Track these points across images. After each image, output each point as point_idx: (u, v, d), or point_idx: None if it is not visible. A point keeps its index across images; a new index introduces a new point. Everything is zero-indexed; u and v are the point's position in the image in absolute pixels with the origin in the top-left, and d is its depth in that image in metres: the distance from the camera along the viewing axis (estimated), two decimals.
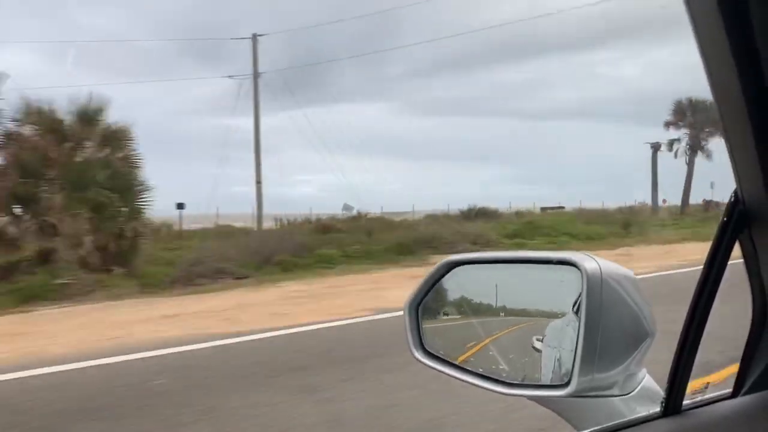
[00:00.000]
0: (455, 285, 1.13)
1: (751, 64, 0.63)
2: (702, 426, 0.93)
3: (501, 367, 1.05)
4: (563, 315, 0.98)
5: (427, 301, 1.13)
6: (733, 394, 1.00)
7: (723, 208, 0.90)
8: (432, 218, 29.19)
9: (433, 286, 1.13)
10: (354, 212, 29.31)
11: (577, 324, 0.93)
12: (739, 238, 0.88)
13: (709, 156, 41.79)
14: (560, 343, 0.97)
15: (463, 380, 1.07)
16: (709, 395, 1.00)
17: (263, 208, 29.23)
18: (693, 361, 0.92)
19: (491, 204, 32.85)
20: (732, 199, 0.86)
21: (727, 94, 0.70)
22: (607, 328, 0.92)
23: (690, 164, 42.51)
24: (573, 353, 0.93)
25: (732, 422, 0.94)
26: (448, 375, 1.09)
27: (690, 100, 41.49)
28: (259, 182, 26.48)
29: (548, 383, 0.99)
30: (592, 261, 0.94)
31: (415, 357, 1.12)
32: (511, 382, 1.03)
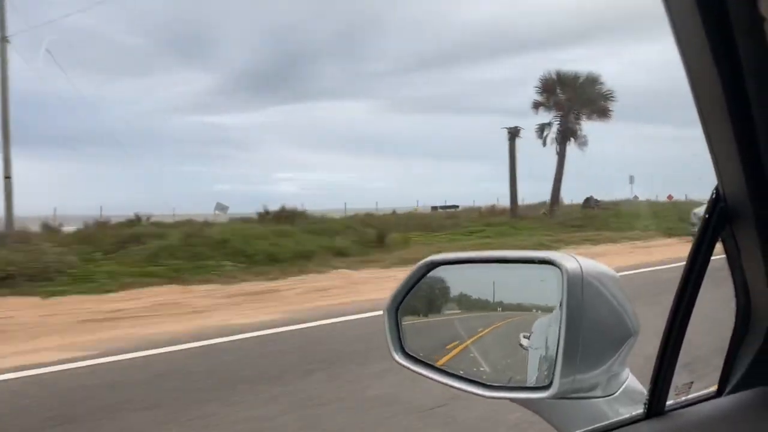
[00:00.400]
0: (436, 285, 1.11)
1: (729, 58, 0.63)
2: (686, 427, 0.92)
3: (482, 368, 1.04)
4: (549, 311, 0.96)
5: (406, 303, 1.11)
6: (718, 394, 0.99)
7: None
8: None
9: (413, 287, 1.11)
10: (227, 212, 26.08)
11: (559, 324, 0.92)
12: (721, 235, 0.88)
13: (583, 144, 32.55)
14: (545, 343, 0.96)
15: (443, 383, 1.05)
16: (693, 395, 0.99)
17: (243, 207, 26.90)
18: (676, 361, 0.91)
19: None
20: (713, 196, 0.85)
21: (706, 89, 0.69)
22: (589, 327, 0.91)
23: (561, 154, 32.68)
24: (555, 354, 0.91)
25: (716, 422, 0.93)
26: (428, 378, 1.07)
27: (558, 75, 32.28)
28: (8, 177, 19.40)
29: (529, 385, 0.97)
30: (572, 260, 0.93)
31: (394, 360, 1.10)
32: (492, 384, 1.01)
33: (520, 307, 1.02)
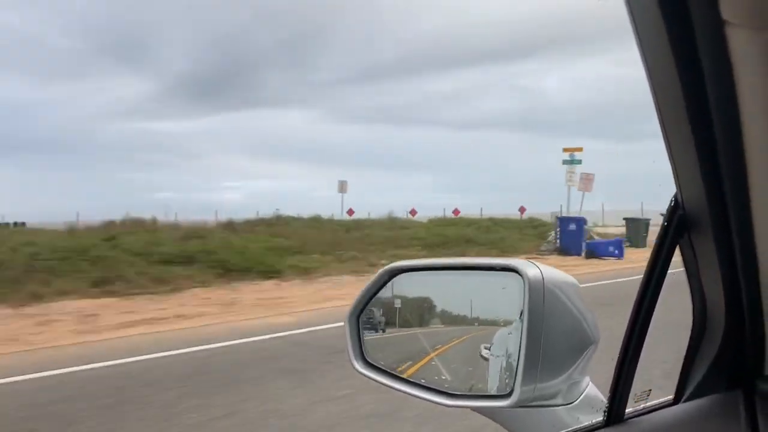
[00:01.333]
0: (398, 293, 1.10)
1: (692, 64, 0.63)
2: None
3: (443, 377, 1.03)
4: (510, 322, 0.96)
5: (368, 311, 1.10)
6: (675, 401, 1.00)
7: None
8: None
9: (374, 295, 1.10)
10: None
11: (520, 332, 0.91)
12: (679, 243, 0.88)
13: None
14: (506, 352, 0.95)
15: (404, 392, 1.04)
16: (651, 402, 0.99)
17: (182, 215, 24.36)
18: (635, 369, 0.91)
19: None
20: (672, 204, 0.86)
21: (668, 96, 0.69)
22: (550, 335, 0.91)
23: None
24: (516, 362, 0.91)
25: (673, 430, 0.94)
26: (390, 387, 1.05)
27: None
28: None
29: (491, 393, 0.96)
30: (534, 267, 0.92)
31: (355, 369, 1.08)
32: (454, 393, 1.00)
33: (482, 314, 1.01)
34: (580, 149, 27.73)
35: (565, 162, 27.56)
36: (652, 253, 0.87)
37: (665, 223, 0.86)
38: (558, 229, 22.99)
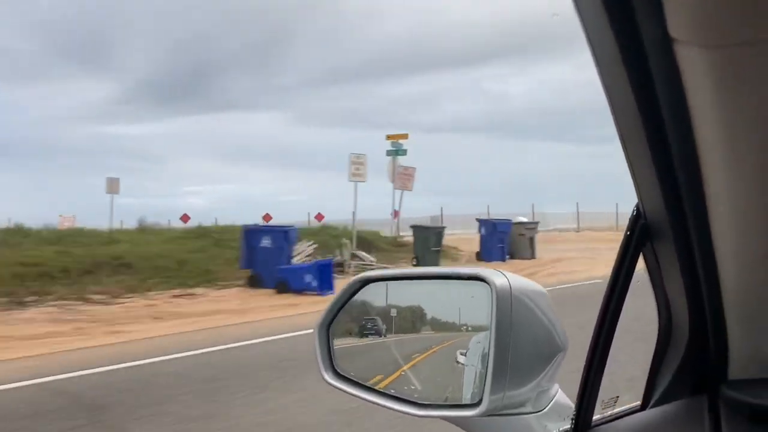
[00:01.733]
0: (369, 302, 1.08)
1: (644, 79, 0.64)
2: None
3: (413, 387, 1.02)
4: (482, 327, 0.96)
5: (339, 321, 1.07)
6: (642, 407, 1.02)
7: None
8: None
9: (344, 304, 1.07)
10: None
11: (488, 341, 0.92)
12: (642, 251, 0.90)
13: None
14: (479, 360, 0.96)
15: (374, 402, 1.02)
16: (619, 409, 1.02)
17: (146, 220, 22.21)
18: (602, 376, 0.93)
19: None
20: (634, 213, 0.88)
21: (622, 111, 0.70)
22: (518, 344, 0.92)
23: None
24: (485, 370, 0.92)
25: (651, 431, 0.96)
26: (359, 398, 1.03)
27: None
28: None
29: (460, 403, 0.97)
30: (501, 276, 0.94)
31: (324, 379, 1.05)
32: (423, 402, 0.99)
33: (454, 324, 1.02)
34: (405, 136, 22.82)
35: (389, 153, 22.37)
36: (616, 261, 0.89)
37: (628, 232, 0.88)
38: (244, 247, 14.80)
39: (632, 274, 0.90)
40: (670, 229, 0.83)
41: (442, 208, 34.47)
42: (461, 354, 0.99)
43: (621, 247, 0.89)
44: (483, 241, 21.45)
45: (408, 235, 21.72)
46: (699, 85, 0.58)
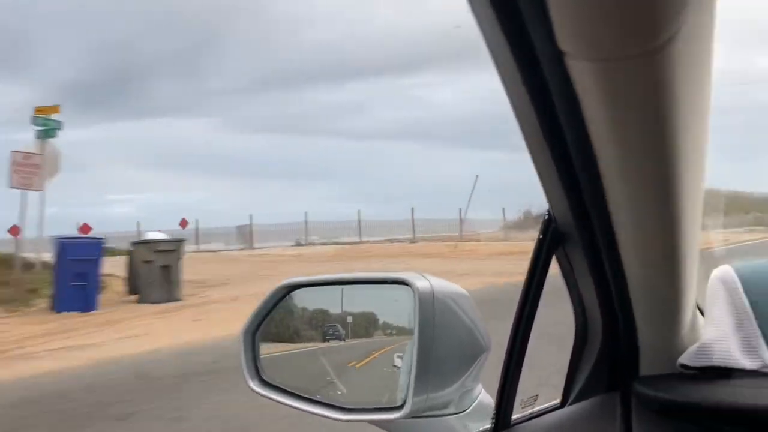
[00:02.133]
0: (295, 309, 1.10)
1: (542, 92, 0.66)
2: None
3: (340, 392, 1.04)
4: (409, 331, 0.97)
5: (264, 328, 1.09)
6: (561, 405, 1.05)
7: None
8: None
9: (270, 311, 1.09)
10: None
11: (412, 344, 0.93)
12: (555, 254, 0.93)
13: None
14: (408, 362, 0.96)
15: (300, 409, 1.03)
16: (540, 407, 1.04)
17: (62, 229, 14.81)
18: (519, 375, 0.95)
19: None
20: (546, 218, 0.91)
21: (527, 122, 0.72)
22: (442, 345, 0.93)
23: None
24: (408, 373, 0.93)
25: (566, 428, 0.99)
26: (286, 405, 1.05)
27: None
28: None
29: (384, 406, 0.98)
30: (423, 280, 0.95)
31: (250, 387, 1.06)
32: (348, 407, 1.00)
33: (388, 327, 1.03)
34: (56, 109, 15.65)
35: (38, 135, 15.11)
36: (530, 264, 0.92)
37: (540, 236, 0.91)
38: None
39: (545, 276, 0.93)
40: (578, 234, 0.86)
41: (305, 214, 32.60)
42: (398, 357, 1.01)
43: (534, 250, 0.92)
44: (57, 277, 12.67)
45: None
46: (590, 97, 0.60)
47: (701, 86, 0.62)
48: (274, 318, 1.09)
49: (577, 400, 1.03)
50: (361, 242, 31.18)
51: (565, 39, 0.52)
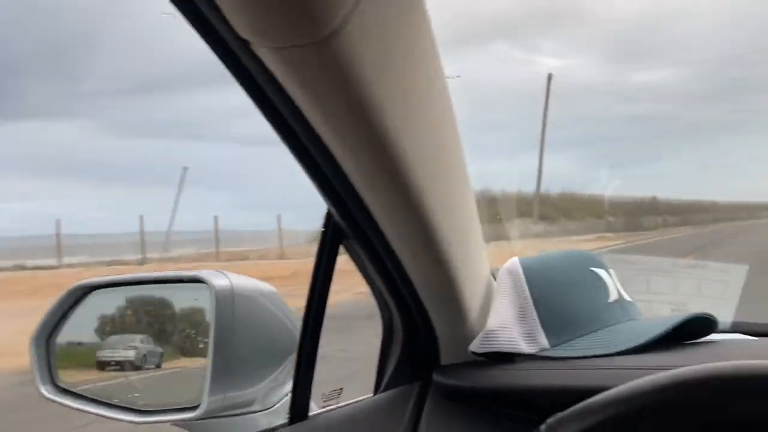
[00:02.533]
0: (93, 311, 1.06)
1: (255, 87, 0.65)
2: (328, 428, 0.97)
3: (137, 394, 1.01)
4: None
5: (58, 332, 1.04)
6: (374, 393, 1.07)
7: None
8: None
9: (65, 314, 1.04)
10: None
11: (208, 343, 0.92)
12: (344, 247, 0.93)
13: None
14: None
15: (96, 414, 0.99)
16: (350, 401, 1.04)
17: None
18: (314, 366, 0.95)
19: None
20: (328, 212, 0.90)
21: (275, 123, 0.71)
22: (243, 344, 0.92)
23: None
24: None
25: (348, 423, 1.00)
26: (81, 410, 1.00)
27: None
28: None
29: (179, 407, 0.96)
30: (223, 277, 0.93)
31: (41, 394, 1.01)
32: (145, 409, 0.98)
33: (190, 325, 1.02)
34: None
35: None
36: (316, 257, 0.91)
37: (323, 229, 0.91)
38: None
39: (332, 270, 0.92)
40: (352, 231, 0.87)
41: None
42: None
43: (319, 243, 0.91)
44: None
45: None
46: (288, 87, 0.60)
47: (387, 77, 0.61)
48: (71, 321, 1.04)
49: (387, 388, 1.05)
50: (60, 266, 18.78)
51: (240, 27, 0.52)
